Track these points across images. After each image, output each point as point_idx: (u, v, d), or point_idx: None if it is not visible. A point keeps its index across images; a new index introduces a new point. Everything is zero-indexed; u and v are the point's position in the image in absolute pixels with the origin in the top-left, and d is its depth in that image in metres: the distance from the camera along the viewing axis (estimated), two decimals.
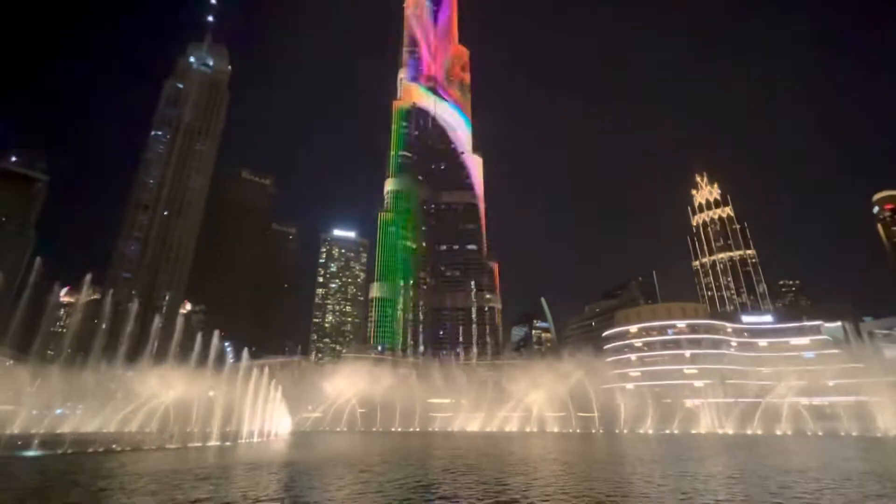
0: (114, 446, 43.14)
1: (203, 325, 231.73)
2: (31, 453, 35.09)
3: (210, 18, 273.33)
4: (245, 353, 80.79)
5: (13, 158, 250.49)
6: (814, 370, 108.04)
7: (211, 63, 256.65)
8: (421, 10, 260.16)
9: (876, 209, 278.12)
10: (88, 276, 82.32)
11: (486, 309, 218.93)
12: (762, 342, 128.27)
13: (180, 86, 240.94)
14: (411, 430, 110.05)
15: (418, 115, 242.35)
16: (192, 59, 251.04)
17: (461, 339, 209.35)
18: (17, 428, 62.78)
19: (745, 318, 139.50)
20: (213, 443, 52.24)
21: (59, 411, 71.65)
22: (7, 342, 76.51)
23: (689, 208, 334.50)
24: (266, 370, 78.55)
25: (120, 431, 64.63)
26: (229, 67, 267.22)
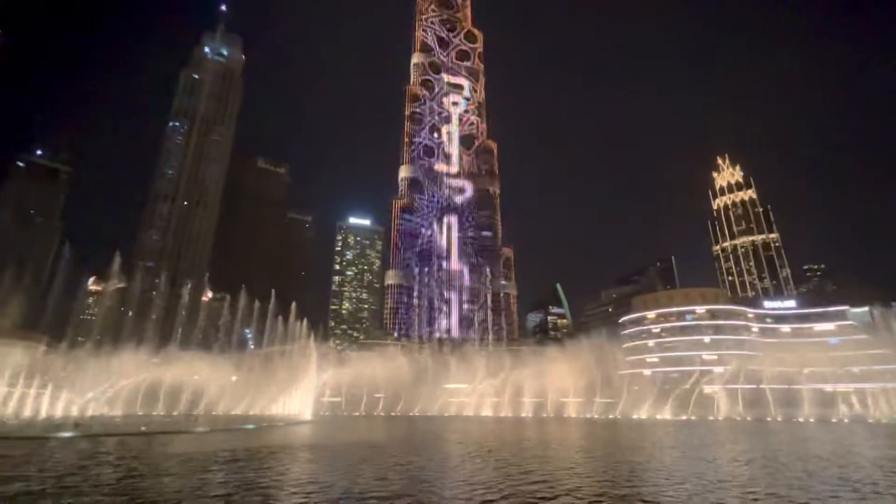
0: (143, 428, 44.78)
1: (224, 311, 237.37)
2: (66, 434, 36.66)
3: (223, 8, 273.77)
4: (262, 337, 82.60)
5: (38, 152, 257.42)
6: (839, 356, 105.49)
7: (225, 52, 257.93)
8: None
9: None
10: (117, 262, 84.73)
11: (502, 295, 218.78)
12: (785, 328, 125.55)
13: (196, 76, 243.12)
14: (428, 414, 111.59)
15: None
16: (206, 49, 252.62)
17: (477, 325, 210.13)
18: (52, 411, 65.63)
19: (768, 304, 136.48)
20: (238, 426, 53.80)
21: (90, 395, 74.48)
22: (40, 329, 79.61)
23: (709, 191, 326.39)
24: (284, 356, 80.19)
25: (148, 414, 67.04)
26: (243, 56, 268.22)
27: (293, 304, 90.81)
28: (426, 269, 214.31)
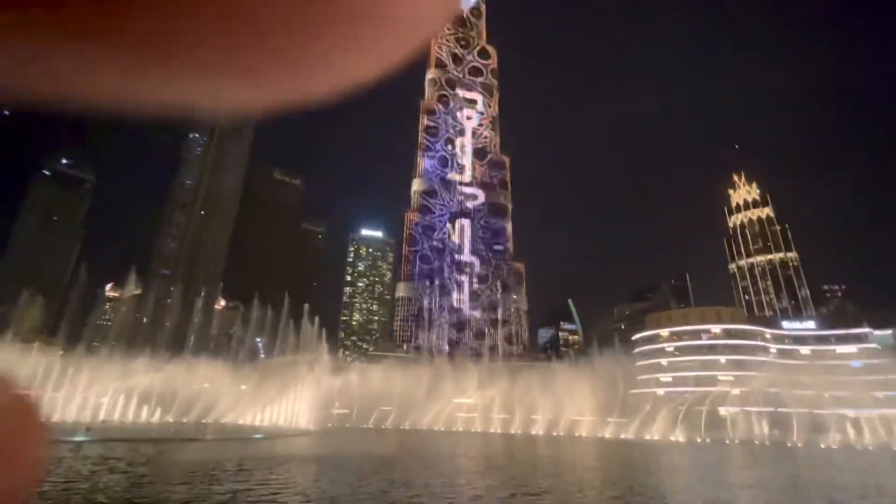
0: (152, 435, 45.08)
1: (237, 321, 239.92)
2: (78, 438, 37.09)
3: None
4: (273, 347, 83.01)
5: (63, 161, 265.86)
6: (861, 380, 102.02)
7: None
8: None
9: None
10: (133, 269, 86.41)
11: (513, 310, 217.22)
12: (804, 350, 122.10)
13: None
14: (436, 429, 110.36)
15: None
16: None
17: (487, 339, 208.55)
18: (66, 415, 66.53)
19: (786, 325, 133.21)
20: (247, 435, 53.83)
21: (103, 399, 75.29)
22: (59, 333, 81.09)
23: (725, 209, 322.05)
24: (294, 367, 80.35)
25: (158, 421, 67.57)
26: None
27: (306, 307, 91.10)
28: (437, 281, 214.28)
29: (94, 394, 72.99)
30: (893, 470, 39.75)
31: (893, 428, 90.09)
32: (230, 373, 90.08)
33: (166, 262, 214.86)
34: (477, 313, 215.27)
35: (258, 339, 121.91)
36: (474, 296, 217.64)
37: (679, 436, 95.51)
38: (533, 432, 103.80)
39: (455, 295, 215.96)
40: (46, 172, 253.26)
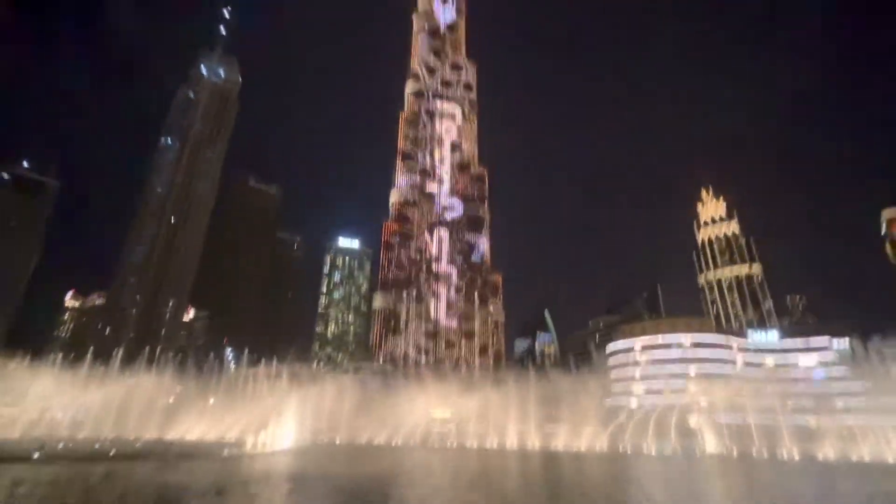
0: (111, 453, 42.85)
1: (206, 331, 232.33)
2: (28, 457, 34.91)
3: (222, 30, 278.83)
4: (243, 358, 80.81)
5: (25, 164, 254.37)
6: (821, 390, 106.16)
7: (222, 73, 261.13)
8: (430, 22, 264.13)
9: (884, 228, 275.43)
10: (96, 280, 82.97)
11: (490, 321, 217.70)
12: (769, 360, 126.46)
13: (192, 95, 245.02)
14: (411, 443, 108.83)
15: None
16: (203, 70, 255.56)
17: (464, 350, 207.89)
18: (20, 432, 62.68)
19: (752, 335, 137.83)
20: (212, 452, 51.79)
21: (59, 415, 71.55)
22: (14, 343, 76.74)
23: (694, 223, 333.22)
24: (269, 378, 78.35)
25: (118, 438, 64.26)
26: (240, 78, 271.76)
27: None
28: (414, 291, 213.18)
29: (48, 409, 69.21)
30: (849, 480, 41.26)
31: (854, 438, 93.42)
32: (196, 385, 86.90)
33: (133, 271, 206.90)
34: (454, 324, 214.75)
35: (228, 350, 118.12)
36: (451, 307, 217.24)
37: (651, 447, 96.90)
38: (509, 447, 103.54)
39: (433, 305, 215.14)
40: (5, 176, 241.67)
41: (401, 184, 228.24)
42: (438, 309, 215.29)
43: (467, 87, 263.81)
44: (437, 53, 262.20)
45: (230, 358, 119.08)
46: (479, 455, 65.10)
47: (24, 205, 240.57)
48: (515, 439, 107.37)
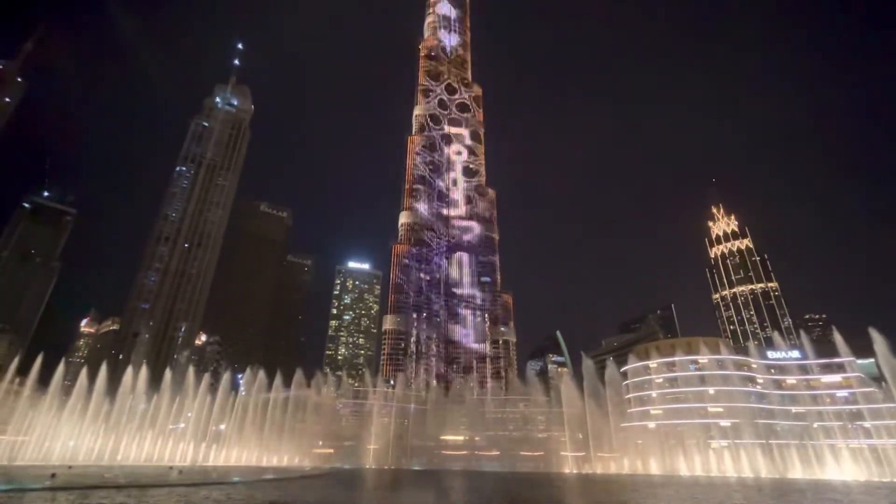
0: (121, 481, 42.38)
1: (217, 356, 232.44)
2: (36, 486, 34.64)
3: (236, 62, 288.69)
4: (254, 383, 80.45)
5: (45, 193, 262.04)
6: (848, 410, 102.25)
7: (235, 103, 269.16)
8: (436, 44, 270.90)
9: None
10: (110, 305, 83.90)
11: (501, 342, 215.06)
12: (790, 379, 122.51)
13: (205, 124, 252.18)
14: (419, 468, 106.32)
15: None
16: (217, 100, 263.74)
17: (475, 372, 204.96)
18: (33, 458, 62.53)
19: (771, 354, 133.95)
20: (223, 479, 51.02)
21: (71, 443, 71.42)
22: (30, 370, 77.30)
23: (706, 240, 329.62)
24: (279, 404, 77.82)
25: (129, 464, 63.77)
26: (252, 107, 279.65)
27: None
28: (424, 314, 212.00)
29: (63, 435, 69.15)
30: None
31: (882, 457, 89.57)
32: (206, 410, 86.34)
33: (146, 296, 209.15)
34: (472, 345, 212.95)
35: (238, 375, 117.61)
36: (474, 328, 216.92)
37: (672, 469, 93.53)
38: (523, 470, 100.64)
39: (451, 328, 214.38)
40: (26, 206, 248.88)
41: (413, 206, 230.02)
42: (458, 331, 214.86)
43: (474, 109, 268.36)
44: (443, 78, 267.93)
45: (240, 383, 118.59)
46: (502, 480, 63.18)
47: (43, 233, 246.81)
48: (532, 464, 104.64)
